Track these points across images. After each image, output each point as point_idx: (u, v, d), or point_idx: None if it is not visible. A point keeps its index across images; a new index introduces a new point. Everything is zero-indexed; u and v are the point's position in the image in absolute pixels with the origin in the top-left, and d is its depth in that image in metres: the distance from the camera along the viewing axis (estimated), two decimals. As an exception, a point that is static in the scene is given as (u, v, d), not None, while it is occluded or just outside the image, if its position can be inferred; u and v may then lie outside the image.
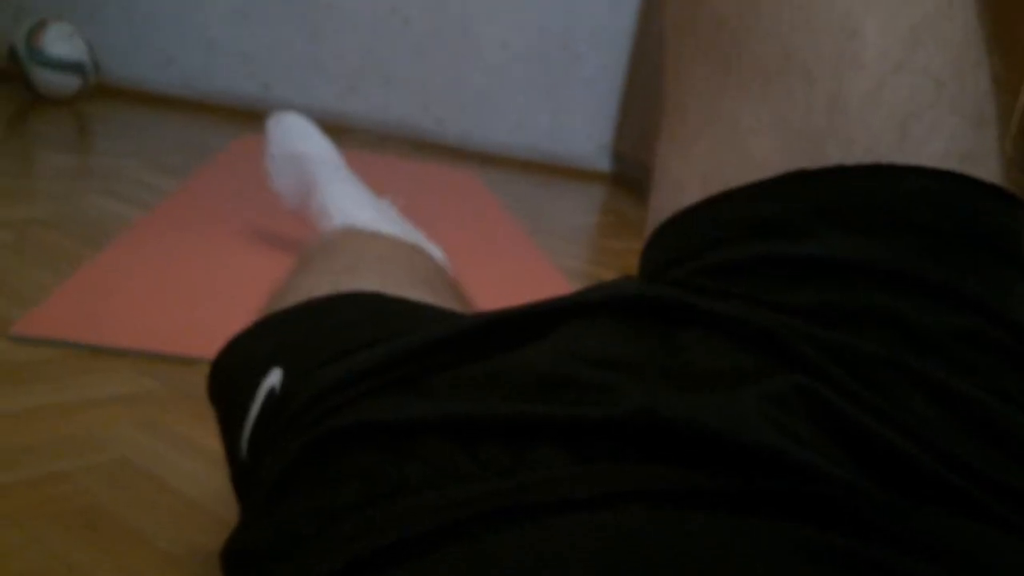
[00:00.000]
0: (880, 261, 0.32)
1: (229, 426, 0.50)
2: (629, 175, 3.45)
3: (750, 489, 0.27)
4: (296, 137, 1.37)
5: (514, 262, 1.70)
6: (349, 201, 1.24)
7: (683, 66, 0.41)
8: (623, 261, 1.92)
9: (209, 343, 0.96)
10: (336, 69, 3.35)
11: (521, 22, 3.42)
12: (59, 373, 0.86)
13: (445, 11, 3.37)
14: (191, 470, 0.73)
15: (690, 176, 0.40)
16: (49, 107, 2.60)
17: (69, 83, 2.67)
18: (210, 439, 0.78)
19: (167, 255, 1.30)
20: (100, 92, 3.09)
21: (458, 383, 0.36)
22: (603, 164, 3.60)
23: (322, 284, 0.57)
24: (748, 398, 0.29)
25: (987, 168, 0.34)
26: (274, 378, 0.45)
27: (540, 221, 2.26)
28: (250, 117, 3.26)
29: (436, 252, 1.16)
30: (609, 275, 1.76)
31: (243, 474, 0.47)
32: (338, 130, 3.34)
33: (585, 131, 3.56)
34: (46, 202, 1.49)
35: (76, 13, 3.13)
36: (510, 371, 0.35)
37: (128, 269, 1.20)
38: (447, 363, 0.38)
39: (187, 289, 1.16)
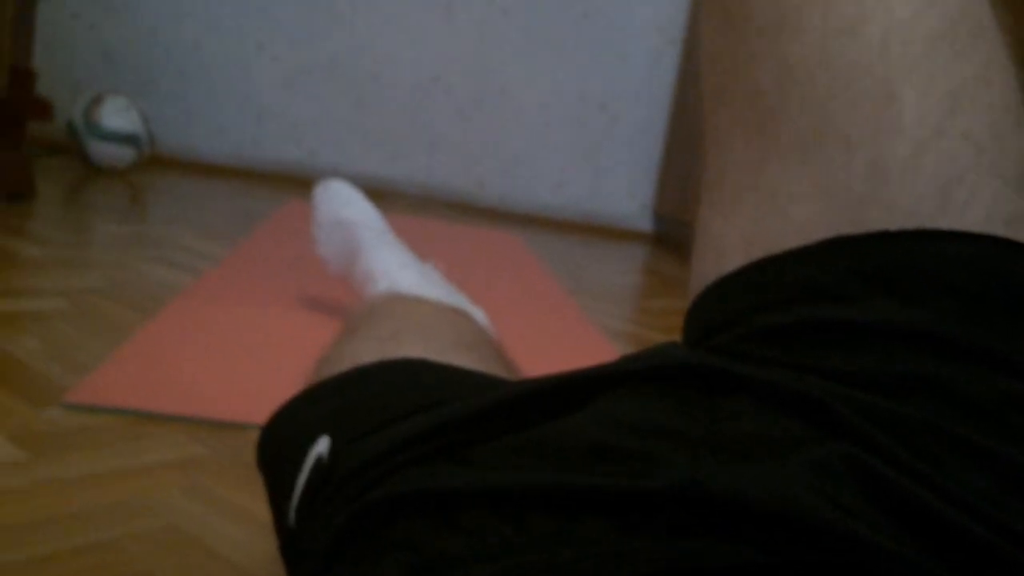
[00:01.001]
0: (924, 326, 0.32)
1: (277, 494, 0.50)
2: (671, 234, 3.46)
3: (800, 563, 0.27)
4: (342, 204, 1.40)
5: (557, 323, 1.70)
6: (393, 266, 1.26)
7: (722, 135, 0.42)
8: (666, 321, 1.91)
9: (258, 409, 0.97)
10: (380, 135, 3.42)
11: (559, 86, 3.47)
12: (110, 440, 0.88)
13: (485, 78, 3.44)
14: (239, 537, 0.74)
15: (732, 241, 0.40)
16: (105, 178, 2.69)
17: (124, 155, 2.76)
18: (259, 506, 0.78)
19: (217, 321, 1.33)
20: (153, 162, 3.19)
21: (503, 452, 0.36)
22: (644, 224, 3.61)
23: (368, 351, 0.57)
24: (795, 468, 0.29)
25: None
26: (322, 446, 0.46)
27: (582, 281, 2.26)
28: (297, 183, 3.33)
29: (479, 315, 1.16)
30: (652, 336, 1.75)
31: (291, 543, 0.47)
32: (382, 194, 3.40)
33: (626, 190, 3.58)
34: (101, 271, 1.54)
35: (131, 86, 3.25)
36: (554, 440, 0.35)
37: (179, 335, 1.22)
38: (491, 432, 0.38)
39: (236, 354, 1.18)
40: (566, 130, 3.50)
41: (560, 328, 1.66)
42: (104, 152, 2.74)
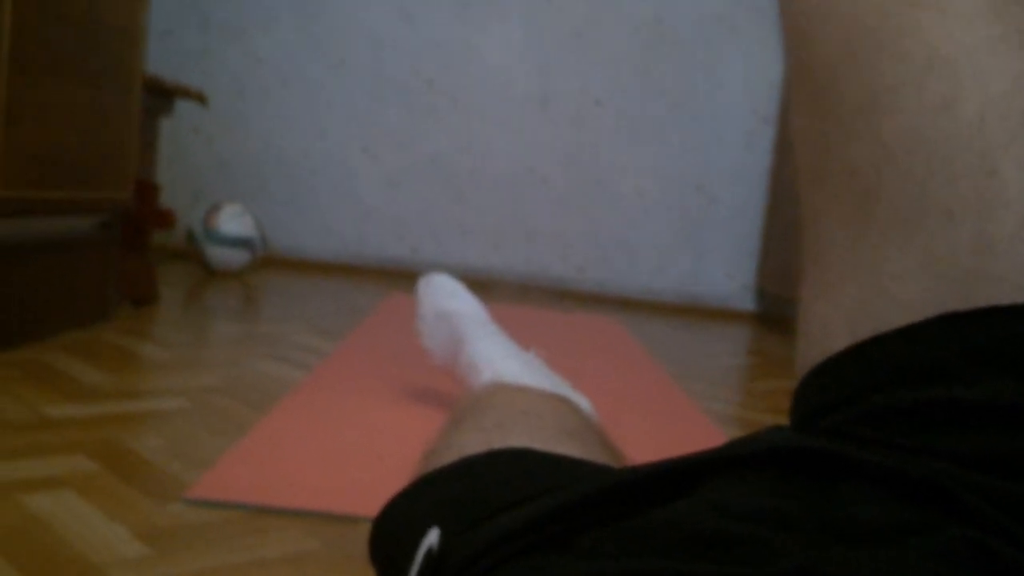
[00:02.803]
0: None
1: (390, 586, 0.51)
2: (775, 313, 3.38)
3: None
4: (444, 296, 1.43)
5: (661, 408, 1.67)
6: (496, 355, 1.27)
7: (819, 215, 0.42)
8: (773, 403, 1.85)
9: (369, 501, 0.99)
10: (479, 228, 3.49)
11: (655, 170, 3.50)
12: (229, 534, 0.90)
13: (580, 167, 3.49)
14: (352, 630, 0.74)
15: (837, 322, 0.39)
16: (222, 280, 2.82)
17: (239, 258, 2.90)
18: (369, 598, 0.78)
19: (327, 415, 1.36)
20: (266, 263, 3.34)
21: (611, 540, 0.36)
22: (747, 303, 3.55)
23: (474, 441, 0.58)
24: (914, 555, 0.28)
25: None
26: (432, 538, 0.46)
27: (685, 364, 2.23)
28: (401, 277, 3.42)
29: (583, 402, 1.16)
30: (759, 418, 1.71)
31: (404, 635, 0.47)
32: (482, 284, 3.45)
33: (726, 271, 3.54)
34: (219, 369, 1.60)
35: (246, 193, 3.43)
36: (662, 528, 0.34)
37: (292, 430, 1.26)
38: (598, 520, 0.37)
39: (346, 448, 1.21)
40: (664, 213, 3.51)
41: (665, 413, 1.63)
42: (221, 256, 2.88)
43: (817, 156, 0.42)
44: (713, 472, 0.37)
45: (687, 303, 3.53)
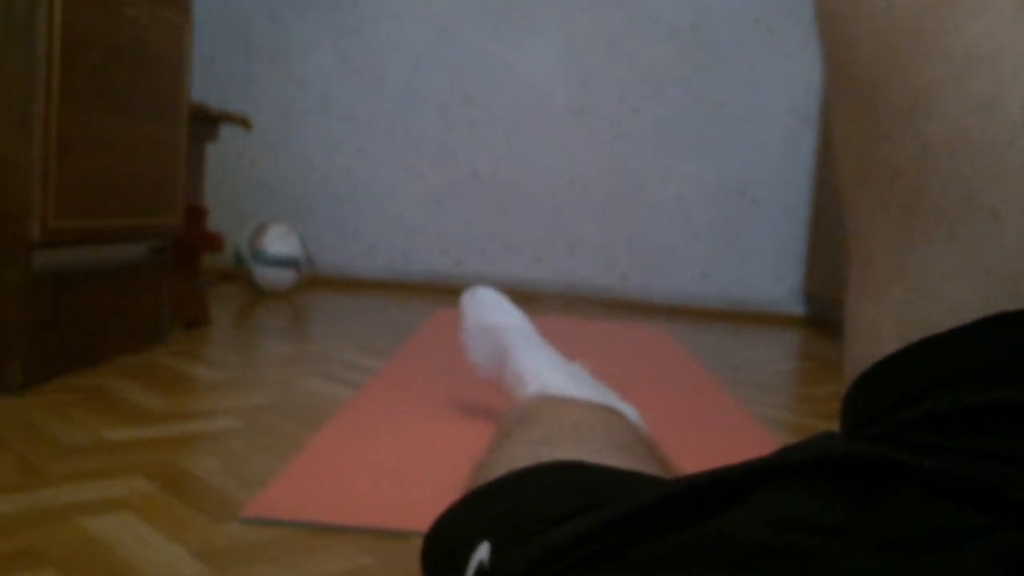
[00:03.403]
0: None
1: (443, 601, 0.51)
2: (824, 316, 3.33)
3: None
4: (489, 310, 1.44)
5: (711, 415, 1.66)
6: (542, 367, 1.27)
7: (864, 218, 0.41)
8: (827, 408, 1.83)
9: (420, 516, 0.99)
10: (522, 240, 3.50)
11: (696, 176, 3.47)
12: (285, 552, 0.91)
13: (620, 176, 3.48)
14: (407, 646, 0.74)
15: (885, 325, 0.39)
16: (270, 300, 2.86)
17: (286, 277, 2.94)
18: (424, 613, 0.79)
19: (376, 431, 1.37)
20: (313, 282, 3.38)
21: (661, 555, 0.35)
22: (795, 307, 3.50)
23: (522, 455, 0.58)
24: (972, 560, 0.27)
25: None
26: (483, 552, 0.47)
27: (734, 371, 2.21)
28: (445, 292, 3.44)
29: (631, 412, 1.15)
30: (812, 423, 1.68)
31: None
32: (527, 296, 3.46)
33: (773, 275, 3.50)
34: (270, 389, 1.62)
35: (291, 214, 3.48)
36: (713, 541, 0.34)
37: (342, 448, 1.27)
38: (650, 532, 0.37)
39: (396, 463, 1.22)
40: (707, 219, 3.48)
41: (715, 420, 1.62)
42: (268, 276, 2.93)
43: (859, 159, 0.41)
44: (763, 482, 0.37)
45: (734, 309, 3.50)
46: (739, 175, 3.47)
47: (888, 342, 0.38)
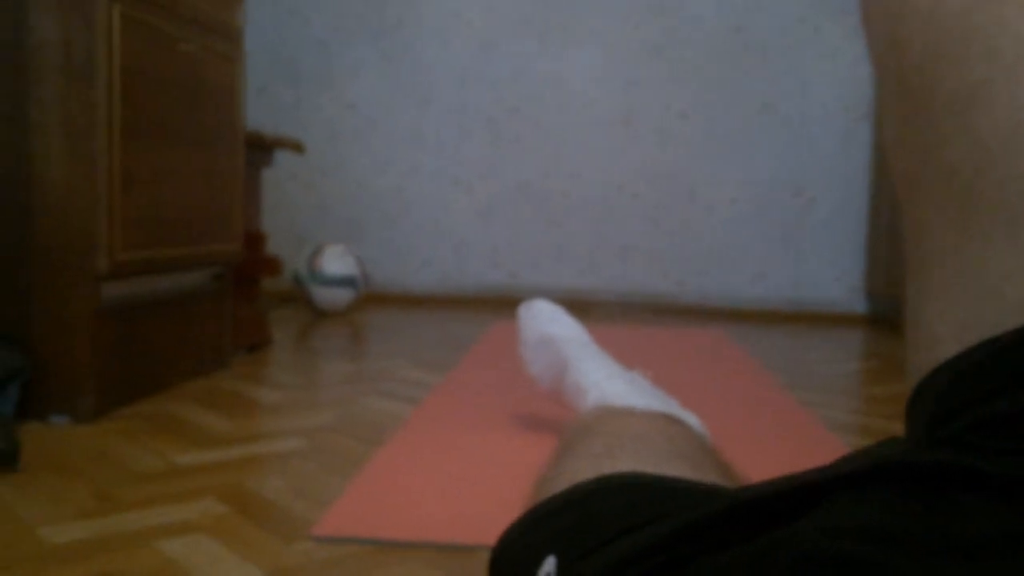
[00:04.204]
0: None
1: (511, 616, 0.51)
2: (887, 315, 3.27)
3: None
4: (545, 321, 1.44)
5: (775, 420, 1.63)
6: (601, 377, 1.27)
7: (920, 220, 0.41)
8: (894, 407, 1.79)
9: (485, 530, 1.00)
10: (574, 249, 3.50)
11: (748, 177, 3.44)
12: (355, 570, 0.92)
13: (670, 181, 3.46)
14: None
15: (946, 327, 0.38)
16: (328, 320, 2.91)
17: (344, 296, 2.98)
18: (493, 628, 0.79)
19: (438, 447, 1.38)
20: (369, 300, 3.42)
21: (725, 566, 0.35)
22: (856, 306, 3.44)
23: (584, 468, 0.58)
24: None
25: None
26: (549, 566, 0.47)
27: (796, 373, 2.17)
28: (500, 304, 3.45)
29: (692, 420, 1.15)
30: (881, 425, 1.65)
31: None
32: (581, 306, 3.45)
33: (832, 273, 3.44)
34: (331, 408, 1.65)
35: (345, 234, 3.53)
36: (778, 552, 0.34)
37: (405, 464, 1.28)
38: (714, 545, 0.37)
39: (459, 478, 1.22)
40: (761, 220, 3.44)
41: (780, 425, 1.60)
42: (326, 296, 2.97)
43: (913, 161, 0.41)
44: (828, 491, 0.37)
45: (793, 310, 3.45)
46: (793, 175, 3.42)
47: (949, 344, 0.38)
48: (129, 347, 1.61)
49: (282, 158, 3.53)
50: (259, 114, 3.51)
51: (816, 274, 3.44)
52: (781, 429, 1.56)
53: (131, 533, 1.00)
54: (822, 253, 3.44)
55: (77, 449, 1.33)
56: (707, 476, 0.60)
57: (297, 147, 2.45)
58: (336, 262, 2.97)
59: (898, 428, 1.59)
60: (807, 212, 3.43)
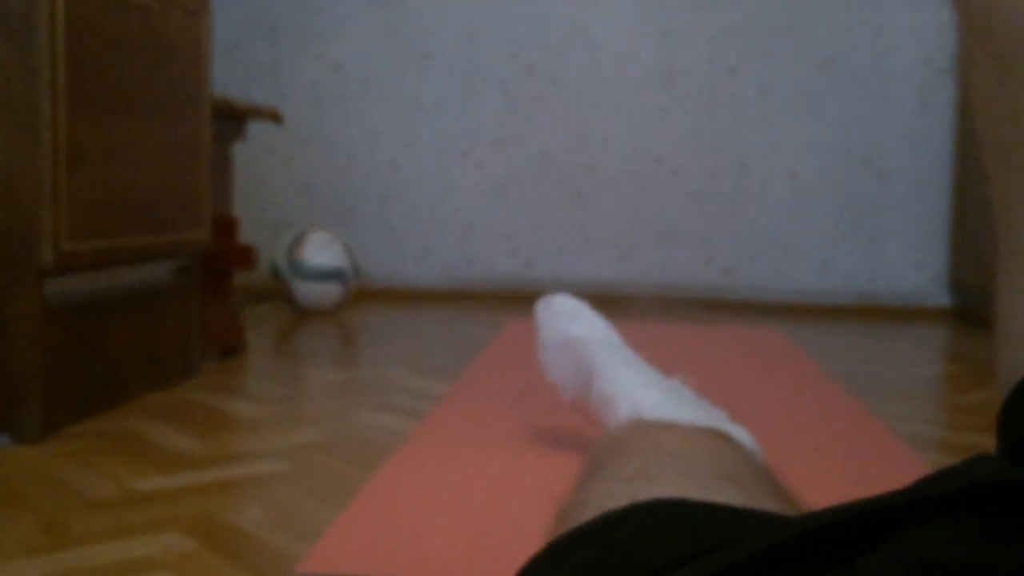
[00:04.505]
0: None
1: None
2: (976, 308, 3.25)
3: None
4: (566, 319, 1.44)
5: (842, 435, 1.63)
6: (634, 385, 1.27)
7: (1012, 196, 0.41)
8: (982, 419, 1.78)
9: (500, 567, 1.00)
10: (603, 234, 3.50)
11: (809, 147, 3.42)
12: (345, 613, 0.93)
13: (718, 152, 3.45)
14: None
15: (1043, 324, 0.38)
16: (314, 320, 2.92)
17: (332, 292, 3.00)
18: None
19: (444, 470, 1.39)
20: (362, 296, 3.43)
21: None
22: (939, 298, 3.42)
23: (615, 493, 0.59)
24: None
25: None
26: (574, 610, 0.47)
27: (868, 379, 2.17)
28: (516, 299, 3.46)
29: (742, 435, 1.14)
30: (969, 439, 1.64)
31: None
32: (612, 301, 3.45)
33: (911, 260, 3.42)
34: (319, 424, 1.66)
35: (332, 218, 3.54)
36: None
37: (406, 490, 1.29)
38: (770, 583, 0.37)
39: (468, 506, 1.23)
40: (824, 197, 3.43)
41: (847, 440, 1.59)
42: (311, 292, 2.98)
43: (1005, 128, 0.41)
44: (909, 518, 0.37)
45: (863, 303, 3.44)
46: (862, 142, 3.41)
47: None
48: (80, 354, 1.62)
49: (257, 130, 3.55)
50: (229, 77, 3.52)
51: (891, 261, 3.43)
52: (849, 446, 1.56)
53: (84, 571, 1.01)
54: (898, 236, 3.42)
55: (22, 474, 1.35)
56: (761, 502, 0.60)
57: (274, 116, 2.46)
58: (321, 252, 2.99)
59: (989, 443, 1.58)
60: (880, 187, 3.41)
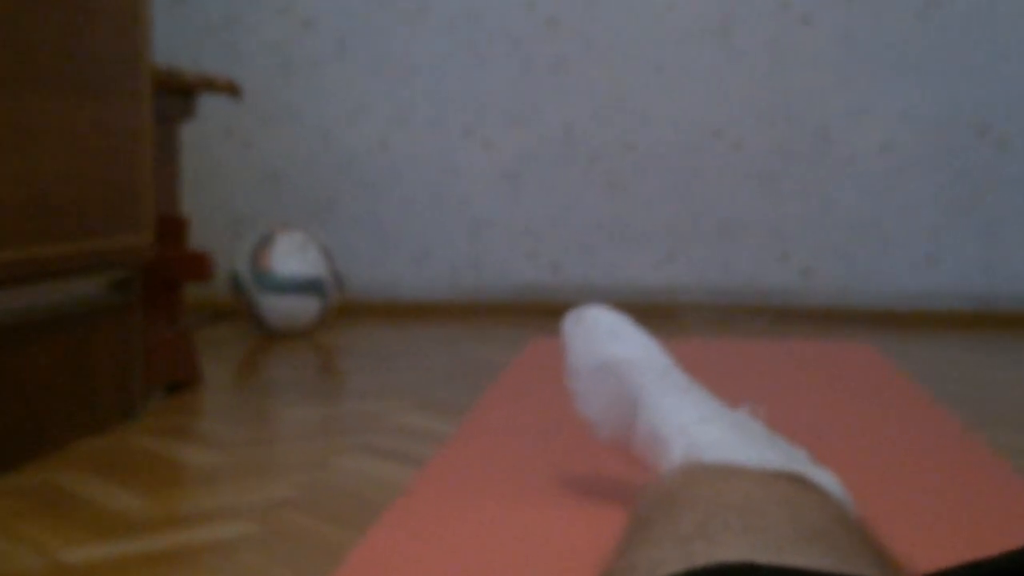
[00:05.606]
0: None
1: None
2: (1123, 310, 3.23)
3: None
4: (602, 338, 1.44)
5: (955, 476, 1.63)
6: (690, 419, 1.27)
7: None
8: None
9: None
10: (645, 228, 3.50)
11: (908, 113, 3.42)
12: None
13: (791, 122, 3.45)
14: None
15: None
16: (285, 343, 2.92)
17: (307, 307, 3.00)
18: None
19: (451, 530, 1.39)
20: (344, 311, 3.44)
21: None
22: (1076, 299, 3.41)
23: (669, 559, 0.59)
24: None
25: None
26: None
27: (986, 405, 2.16)
28: (537, 312, 3.46)
29: (828, 480, 1.14)
30: (1117, 477, 1.63)
31: None
32: (660, 312, 3.45)
33: (1038, 253, 3.41)
34: (292, 475, 1.66)
35: (306, 214, 3.55)
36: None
37: (403, 557, 1.29)
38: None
39: (485, 572, 1.23)
40: (928, 175, 3.42)
41: (960, 483, 1.59)
42: (281, 308, 2.99)
43: None
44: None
45: (980, 309, 3.42)
46: (976, 107, 3.40)
47: None
48: (-7, 391, 1.63)
49: (210, 106, 3.56)
50: (175, 39, 3.54)
51: (1015, 256, 3.41)
52: (963, 489, 1.55)
53: (3, 666, 1.02)
54: (1023, 224, 3.41)
55: (-78, 543, 1.35)
56: (851, 562, 0.61)
57: (231, 88, 2.47)
58: (293, 258, 2.99)
59: None
60: (999, 160, 3.40)
